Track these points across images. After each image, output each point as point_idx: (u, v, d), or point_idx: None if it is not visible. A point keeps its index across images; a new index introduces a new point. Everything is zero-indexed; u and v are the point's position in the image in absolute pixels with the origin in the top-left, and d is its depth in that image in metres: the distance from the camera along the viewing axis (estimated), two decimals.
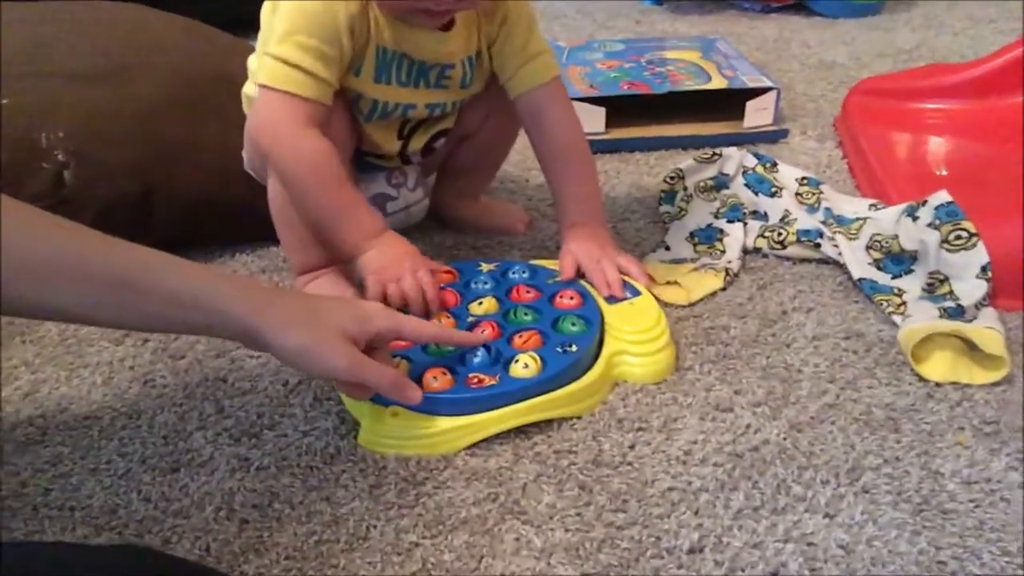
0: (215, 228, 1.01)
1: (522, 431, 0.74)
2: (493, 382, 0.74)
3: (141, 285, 0.60)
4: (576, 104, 1.26)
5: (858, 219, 0.99)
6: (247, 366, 0.83)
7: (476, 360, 0.76)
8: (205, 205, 0.99)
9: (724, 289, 0.93)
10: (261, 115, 0.81)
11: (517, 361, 0.75)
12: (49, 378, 0.83)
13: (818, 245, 0.96)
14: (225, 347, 0.86)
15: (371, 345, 0.70)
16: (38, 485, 0.70)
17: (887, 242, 0.93)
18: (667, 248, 1.00)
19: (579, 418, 0.76)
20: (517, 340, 0.79)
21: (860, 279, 0.92)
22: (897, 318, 0.86)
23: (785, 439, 0.73)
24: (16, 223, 0.56)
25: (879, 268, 0.93)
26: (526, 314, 0.83)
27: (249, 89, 0.93)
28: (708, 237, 1.00)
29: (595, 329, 0.80)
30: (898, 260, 0.92)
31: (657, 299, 0.88)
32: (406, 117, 0.89)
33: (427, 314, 0.81)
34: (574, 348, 0.77)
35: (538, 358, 0.75)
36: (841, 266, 0.95)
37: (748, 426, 0.74)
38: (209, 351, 0.86)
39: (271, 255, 1.02)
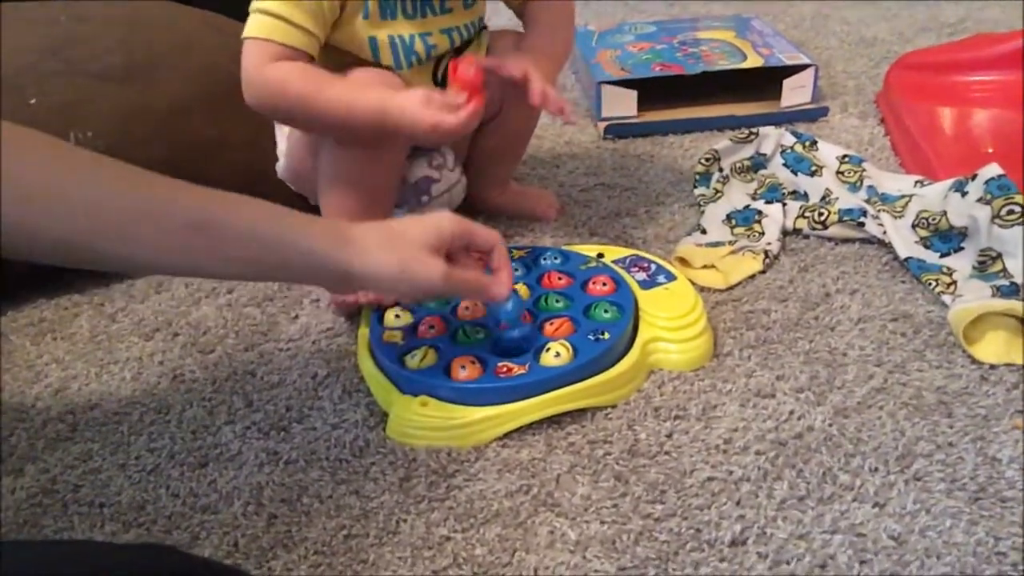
0: None
1: (555, 421, 0.72)
2: (523, 371, 0.72)
3: (221, 227, 0.58)
4: (607, 88, 1.26)
5: (903, 196, 0.95)
6: (276, 360, 0.82)
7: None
8: None
9: (764, 272, 0.90)
10: (242, 71, 0.79)
11: (548, 350, 0.73)
12: (79, 374, 0.82)
13: (861, 224, 0.92)
14: (254, 340, 0.85)
15: (448, 254, 0.69)
16: (68, 482, 0.70)
17: (935, 219, 0.89)
18: (703, 231, 0.97)
19: (614, 407, 0.73)
20: (548, 328, 0.77)
21: (907, 258, 0.88)
22: (947, 298, 0.82)
23: (831, 425, 0.70)
24: (87, 175, 0.54)
25: (926, 246, 0.89)
26: (557, 301, 0.80)
27: None
28: (746, 219, 0.97)
29: (628, 316, 0.77)
30: (946, 238, 0.88)
31: (694, 283, 0.85)
32: (431, 50, 0.87)
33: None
34: (606, 336, 0.75)
35: (569, 346, 0.73)
36: (886, 245, 0.91)
37: (791, 412, 0.71)
38: (238, 345, 0.85)
39: None
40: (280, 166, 0.94)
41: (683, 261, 0.91)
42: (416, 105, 0.76)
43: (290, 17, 0.78)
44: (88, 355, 0.85)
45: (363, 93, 0.79)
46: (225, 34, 1.12)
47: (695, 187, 1.06)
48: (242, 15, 1.21)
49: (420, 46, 0.86)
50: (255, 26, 0.79)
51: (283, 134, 0.93)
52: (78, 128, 0.91)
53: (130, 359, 0.84)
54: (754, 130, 1.07)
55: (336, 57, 0.83)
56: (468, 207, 1.05)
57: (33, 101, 0.91)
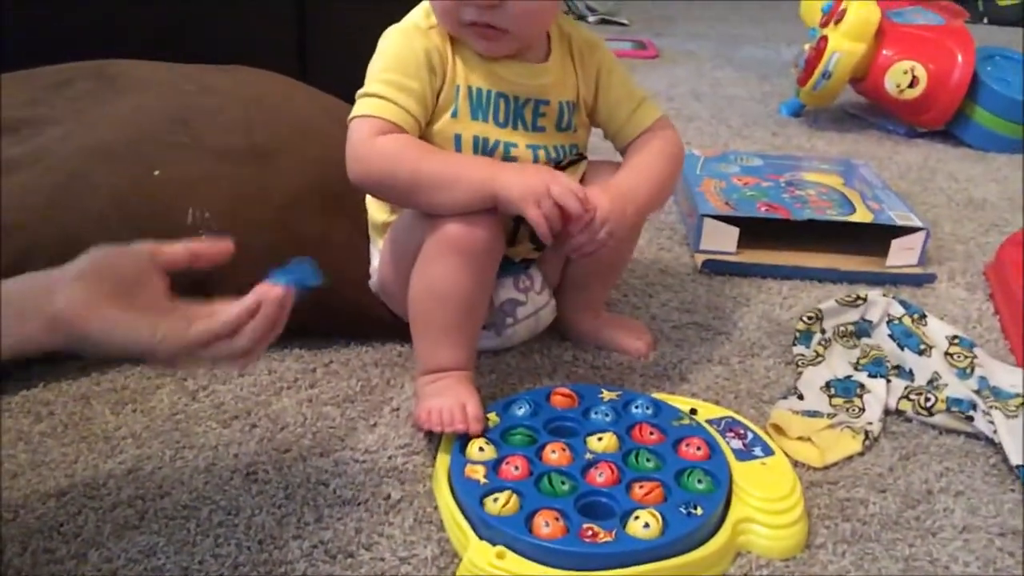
0: (330, 324, 0.97)
1: None
2: (609, 538, 0.68)
3: None
4: (709, 221, 1.24)
5: (1018, 395, 0.90)
6: (350, 472, 0.80)
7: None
8: (325, 302, 0.96)
9: (862, 454, 0.86)
10: (347, 147, 0.82)
11: (637, 518, 0.69)
12: (154, 455, 0.81)
13: (970, 418, 0.88)
14: (331, 446, 0.84)
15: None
16: None
17: None
18: (800, 397, 0.93)
19: None
20: (637, 490, 0.73)
21: (1018, 466, 0.83)
22: None
23: None
24: None
25: None
26: (648, 459, 0.77)
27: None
28: (846, 390, 0.93)
29: (723, 490, 0.74)
30: None
31: (788, 456, 0.81)
32: (508, 157, 0.86)
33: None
34: (699, 511, 0.71)
35: (659, 517, 0.70)
36: (995, 445, 0.86)
37: None
38: (315, 448, 0.83)
39: (384, 350, 0.99)
40: (372, 281, 0.95)
41: (777, 429, 0.87)
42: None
43: (396, 99, 0.81)
44: (165, 435, 0.84)
45: (473, 159, 0.84)
46: (341, 124, 1.14)
47: (794, 344, 1.03)
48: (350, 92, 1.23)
49: (500, 152, 0.86)
50: (363, 106, 0.82)
51: (376, 248, 0.93)
52: (197, 206, 0.91)
53: (205, 446, 0.83)
54: (862, 295, 1.04)
55: None
56: (556, 331, 1.04)
57: (157, 173, 0.93)
